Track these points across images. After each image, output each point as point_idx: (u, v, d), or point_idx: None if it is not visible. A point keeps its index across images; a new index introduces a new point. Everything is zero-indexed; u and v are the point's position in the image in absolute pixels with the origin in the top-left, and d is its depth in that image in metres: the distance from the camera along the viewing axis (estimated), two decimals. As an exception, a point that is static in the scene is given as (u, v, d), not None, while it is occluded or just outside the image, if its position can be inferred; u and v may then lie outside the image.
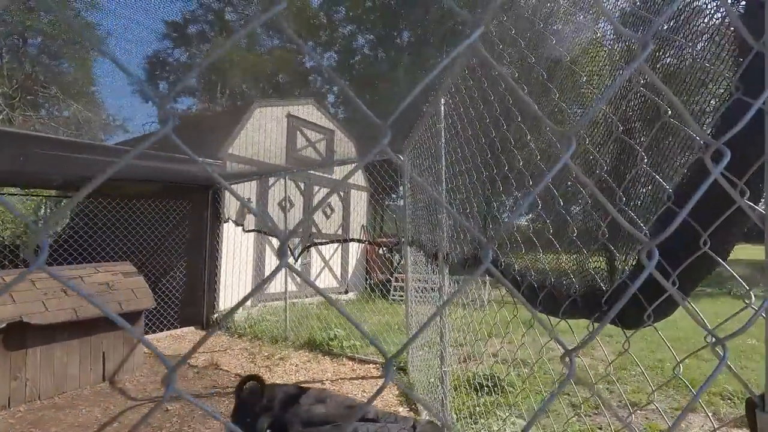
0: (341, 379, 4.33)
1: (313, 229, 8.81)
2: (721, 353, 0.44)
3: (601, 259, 0.91)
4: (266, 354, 5.15)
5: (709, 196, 0.57)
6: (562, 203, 1.06)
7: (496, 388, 3.59)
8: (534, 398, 3.54)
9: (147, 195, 6.82)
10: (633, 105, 0.80)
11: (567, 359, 0.40)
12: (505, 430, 2.94)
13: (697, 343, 5.46)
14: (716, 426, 2.67)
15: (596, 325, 1.15)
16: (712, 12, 0.69)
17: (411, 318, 4.37)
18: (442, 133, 2.39)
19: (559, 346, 0.43)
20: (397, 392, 3.99)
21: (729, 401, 3.53)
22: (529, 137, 1.23)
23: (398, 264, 9.53)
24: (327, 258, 9.23)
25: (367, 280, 10.04)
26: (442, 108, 2.40)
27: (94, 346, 4.29)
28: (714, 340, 0.45)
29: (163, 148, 6.51)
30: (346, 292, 9.50)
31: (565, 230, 1.10)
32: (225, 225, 6.89)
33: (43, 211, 13.79)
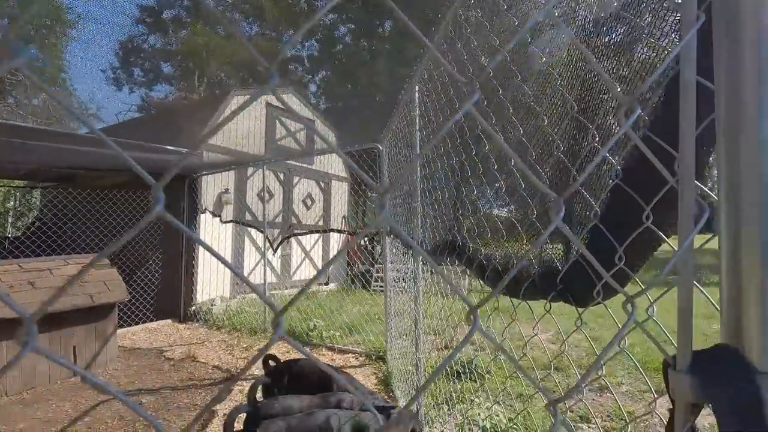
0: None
1: (293, 220, 8.73)
2: (630, 310, 0.45)
3: (558, 239, 0.92)
4: (245, 345, 5.10)
5: (655, 171, 0.57)
6: (524, 185, 1.07)
7: (472, 375, 3.65)
8: (499, 381, 3.62)
9: (120, 185, 6.63)
10: (588, 84, 0.80)
11: (471, 316, 0.40)
12: (479, 414, 2.99)
13: (666, 325, 5.65)
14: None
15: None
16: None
17: (390, 308, 4.39)
18: (417, 121, 2.38)
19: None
20: (375, 381, 4.01)
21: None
22: (494, 120, 1.23)
23: (379, 255, 9.54)
24: (308, 249, 9.17)
25: (348, 270, 10.03)
26: (417, 95, 2.39)
27: (64, 340, 4.17)
28: (626, 298, 0.46)
29: (137, 136, 6.33)
30: (327, 284, 9.48)
31: (527, 214, 1.11)
32: (202, 216, 6.76)
33: (12, 202, 13.27)
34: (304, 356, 2.61)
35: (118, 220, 6.34)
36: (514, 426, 2.80)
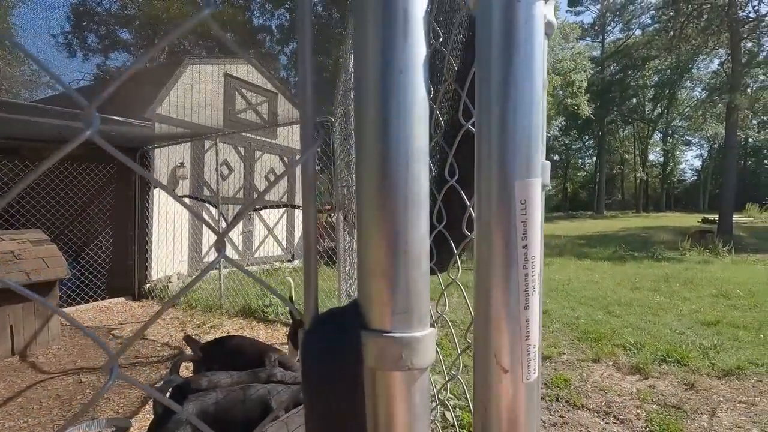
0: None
1: (255, 196, 8.52)
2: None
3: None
4: (197, 322, 5.02)
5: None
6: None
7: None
8: (456, 357, 3.70)
9: (66, 158, 6.25)
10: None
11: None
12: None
13: (612, 301, 5.91)
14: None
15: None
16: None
17: (342, 283, 4.37)
18: (352, 91, 2.30)
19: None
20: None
21: (629, 351, 3.85)
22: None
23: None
24: (271, 226, 9.02)
25: (313, 247, 9.94)
26: (352, 63, 2.29)
27: (-1, 318, 3.97)
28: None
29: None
30: (291, 260, 9.40)
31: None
32: (155, 191, 6.50)
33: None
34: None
35: (63, 195, 6.01)
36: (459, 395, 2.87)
